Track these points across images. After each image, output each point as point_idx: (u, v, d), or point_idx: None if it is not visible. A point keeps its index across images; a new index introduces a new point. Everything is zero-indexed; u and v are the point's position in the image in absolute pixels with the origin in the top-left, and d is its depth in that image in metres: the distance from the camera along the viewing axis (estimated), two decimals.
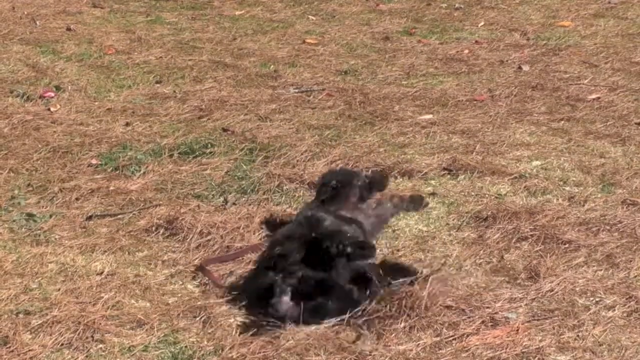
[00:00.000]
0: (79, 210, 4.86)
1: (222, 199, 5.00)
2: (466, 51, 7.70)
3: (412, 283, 4.03)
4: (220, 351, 3.72)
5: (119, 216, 4.81)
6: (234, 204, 4.92)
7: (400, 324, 3.87)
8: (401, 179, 5.28)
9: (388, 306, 3.94)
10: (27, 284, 4.16)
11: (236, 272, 4.26)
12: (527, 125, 6.07)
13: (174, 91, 6.69)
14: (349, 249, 3.91)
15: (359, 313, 3.90)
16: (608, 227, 4.71)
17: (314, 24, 8.55)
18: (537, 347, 3.77)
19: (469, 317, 3.95)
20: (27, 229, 4.67)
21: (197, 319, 3.93)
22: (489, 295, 4.11)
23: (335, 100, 6.53)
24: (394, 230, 4.71)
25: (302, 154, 5.52)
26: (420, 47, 7.82)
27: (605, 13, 8.87)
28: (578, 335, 3.84)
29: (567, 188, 5.18)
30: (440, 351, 3.74)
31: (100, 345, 3.75)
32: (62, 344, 3.75)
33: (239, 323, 3.90)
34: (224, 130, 5.94)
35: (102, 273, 4.26)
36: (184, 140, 5.76)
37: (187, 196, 5.03)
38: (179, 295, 4.13)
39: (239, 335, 3.80)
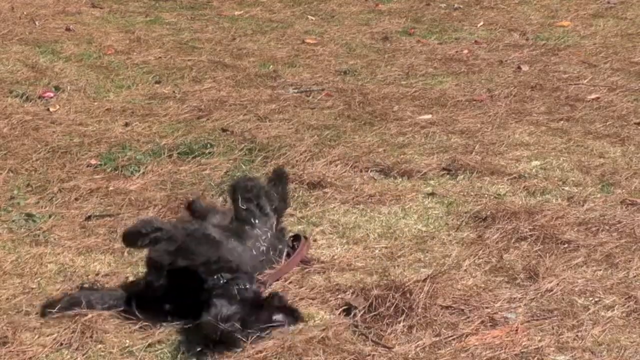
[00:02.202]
0: (78, 211, 4.86)
1: (221, 199, 4.99)
2: (465, 51, 7.70)
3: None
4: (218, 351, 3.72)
5: (118, 216, 4.81)
6: None
7: (399, 324, 3.87)
8: (400, 179, 5.28)
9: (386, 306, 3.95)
10: (26, 284, 4.16)
11: None
12: (526, 125, 6.07)
13: (173, 91, 6.69)
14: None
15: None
16: (607, 227, 4.71)
17: (313, 24, 8.55)
18: (537, 347, 3.77)
19: (468, 317, 3.95)
20: (27, 229, 4.67)
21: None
22: (488, 295, 4.12)
23: (335, 100, 6.53)
24: (393, 231, 4.71)
25: (301, 154, 5.52)
26: (419, 47, 7.83)
27: (605, 13, 8.88)
28: (577, 335, 3.84)
29: (567, 188, 5.18)
30: (440, 351, 3.74)
31: (100, 346, 3.75)
32: (61, 344, 3.75)
33: None
34: (223, 130, 5.94)
35: (101, 273, 4.26)
36: (183, 140, 5.76)
37: (187, 196, 5.02)
38: None
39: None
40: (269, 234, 4.29)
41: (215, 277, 3.82)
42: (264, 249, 4.23)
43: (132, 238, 3.84)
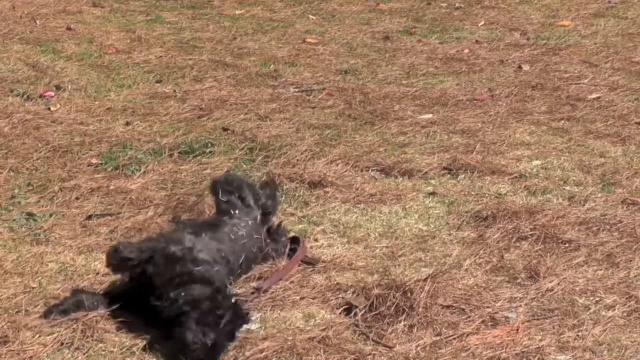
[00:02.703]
0: (79, 210, 4.86)
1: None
2: (466, 51, 7.71)
3: None
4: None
5: (119, 215, 4.81)
6: None
7: (400, 323, 3.87)
8: (401, 179, 5.28)
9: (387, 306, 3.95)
10: (27, 283, 4.16)
11: None
12: (527, 124, 6.07)
13: (174, 90, 6.69)
14: None
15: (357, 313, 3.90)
16: (608, 227, 4.71)
17: (314, 23, 8.55)
18: (537, 346, 3.77)
19: (468, 317, 3.95)
20: (27, 228, 4.67)
21: None
22: (489, 294, 4.12)
23: (336, 99, 6.53)
24: (394, 230, 4.71)
25: (302, 154, 5.52)
26: (420, 47, 7.83)
27: (605, 13, 8.88)
28: (578, 335, 3.84)
29: (567, 187, 5.18)
30: (440, 351, 3.74)
31: (100, 345, 3.75)
32: (62, 343, 3.75)
33: None
34: (224, 129, 5.94)
35: (101, 272, 4.25)
36: (184, 139, 5.76)
37: (188, 195, 5.03)
38: None
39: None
40: (249, 222, 4.29)
41: (176, 291, 3.79)
42: (244, 233, 4.21)
43: (113, 270, 4.00)
